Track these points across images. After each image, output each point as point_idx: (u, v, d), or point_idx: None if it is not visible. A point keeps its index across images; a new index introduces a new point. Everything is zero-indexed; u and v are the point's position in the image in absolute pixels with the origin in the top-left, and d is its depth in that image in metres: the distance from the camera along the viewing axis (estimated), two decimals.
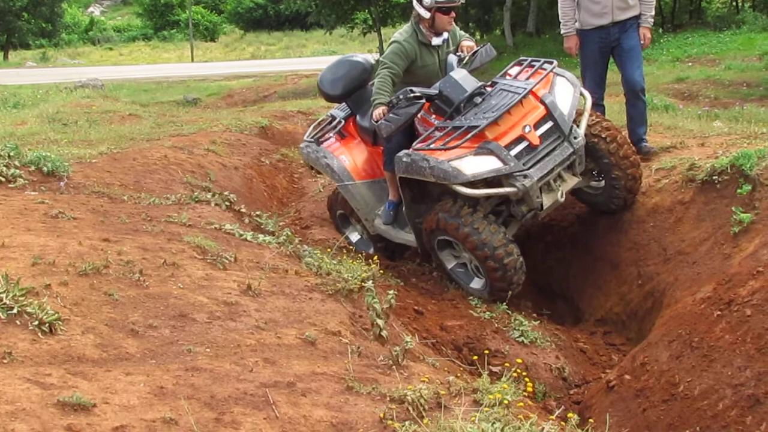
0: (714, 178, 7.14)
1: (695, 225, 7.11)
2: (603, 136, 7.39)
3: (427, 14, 7.51)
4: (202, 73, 40.23)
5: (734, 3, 33.33)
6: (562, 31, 8.70)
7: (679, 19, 31.75)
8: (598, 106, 8.39)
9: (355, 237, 9.34)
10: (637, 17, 8.28)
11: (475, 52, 7.53)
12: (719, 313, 5.41)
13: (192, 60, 52.66)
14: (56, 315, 4.01)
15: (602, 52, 8.46)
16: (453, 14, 7.60)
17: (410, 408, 3.63)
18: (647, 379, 5.51)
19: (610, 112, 10.14)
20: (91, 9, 77.37)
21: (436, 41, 7.70)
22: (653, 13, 8.39)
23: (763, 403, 4.54)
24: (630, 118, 8.49)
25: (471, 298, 7.21)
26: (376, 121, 7.32)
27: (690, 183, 7.44)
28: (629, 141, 7.70)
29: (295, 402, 3.65)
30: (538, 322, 6.87)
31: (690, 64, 22.61)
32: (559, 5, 8.67)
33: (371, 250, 8.90)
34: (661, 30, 30.66)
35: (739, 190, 6.80)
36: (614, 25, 8.28)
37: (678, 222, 7.31)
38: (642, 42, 8.31)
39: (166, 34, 65.97)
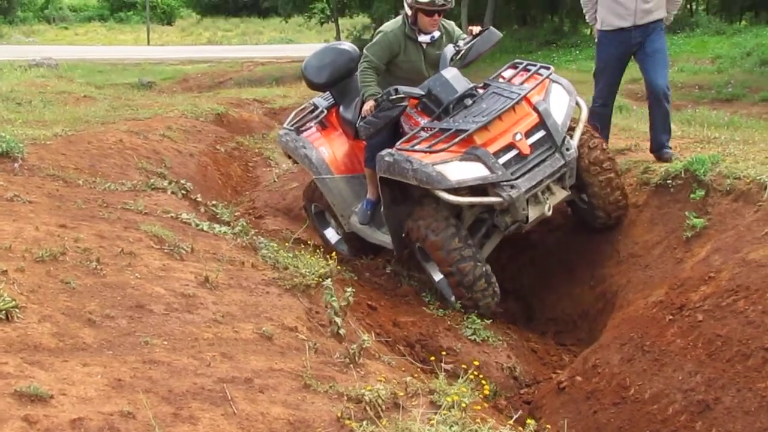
0: (668, 182, 7.20)
1: (648, 228, 7.17)
2: (596, 174, 7.17)
3: (409, 10, 7.25)
4: (157, 56, 39.84)
5: (688, 6, 33.71)
6: (587, 19, 8.33)
7: None
8: (604, 107, 8.18)
9: (334, 238, 9.06)
10: (662, 20, 7.82)
11: (473, 41, 7.25)
12: (671, 317, 5.47)
13: (148, 43, 52.16)
14: (13, 302, 3.99)
15: (621, 57, 7.96)
16: (437, 17, 7.23)
17: (368, 408, 3.64)
18: (598, 382, 5.56)
19: None
20: None
21: (422, 38, 7.39)
22: (676, 12, 8.07)
23: (712, 408, 4.62)
24: (652, 125, 7.98)
25: (424, 294, 7.22)
26: (364, 117, 7.11)
27: (644, 186, 7.50)
28: (617, 170, 7.36)
29: (253, 398, 3.65)
30: (491, 320, 6.85)
31: None
32: None
33: (345, 250, 8.75)
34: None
35: (692, 195, 6.85)
36: (636, 29, 7.72)
37: (631, 225, 7.38)
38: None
39: (123, 16, 65.16)
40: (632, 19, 7.65)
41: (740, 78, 21.43)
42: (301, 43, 47.81)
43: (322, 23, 44.96)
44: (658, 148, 7.91)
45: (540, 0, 39.08)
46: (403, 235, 7.19)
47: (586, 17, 8.26)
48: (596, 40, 8.15)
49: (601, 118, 8.15)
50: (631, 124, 10.46)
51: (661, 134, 7.91)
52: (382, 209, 7.47)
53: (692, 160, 7.12)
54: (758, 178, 6.43)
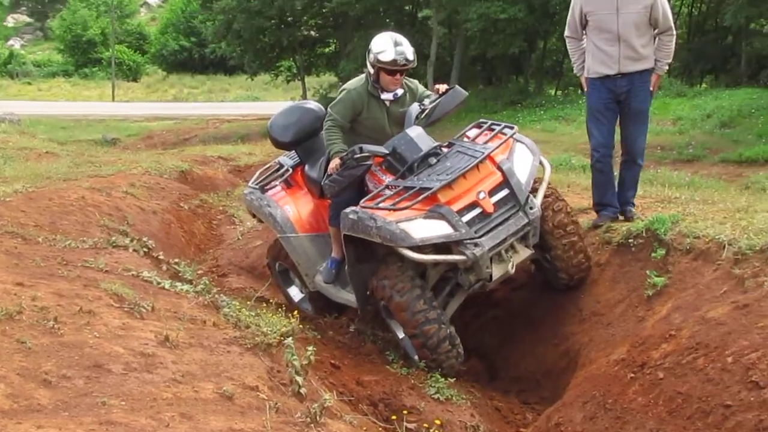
0: (629, 241, 7.27)
1: (610, 287, 7.21)
2: (560, 237, 7.18)
3: (371, 69, 7.29)
4: (122, 112, 39.96)
5: None
6: (575, 71, 8.27)
7: None
8: (600, 162, 7.96)
9: (297, 296, 9.00)
10: (651, 70, 7.73)
11: (438, 100, 7.28)
12: (632, 375, 5.50)
13: (113, 99, 52.33)
14: None
15: (609, 104, 7.81)
16: (398, 76, 7.29)
17: None
18: None
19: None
20: (11, 42, 76.45)
21: (385, 96, 7.42)
22: (670, 60, 7.84)
23: None
24: (621, 180, 8.05)
25: (388, 353, 7.17)
26: (329, 175, 7.14)
27: (606, 245, 7.55)
28: (580, 234, 7.39)
29: None
30: (454, 379, 6.80)
31: None
32: (567, 45, 8.23)
33: (309, 309, 8.69)
34: (580, 91, 31.29)
35: (653, 254, 6.93)
36: (623, 77, 7.65)
37: (594, 283, 7.41)
38: (650, 89, 7.81)
39: (88, 72, 65.40)
40: (617, 67, 7.63)
41: (701, 139, 21.81)
42: (268, 101, 48.16)
43: (288, 81, 45.27)
44: (623, 203, 7.98)
45: (505, 61, 39.65)
46: (368, 293, 7.14)
47: (574, 68, 8.26)
48: (585, 89, 8.10)
49: (600, 176, 8.05)
50: None
51: (627, 190, 8.00)
52: (346, 268, 7.40)
53: (653, 220, 7.20)
54: (717, 237, 6.50)
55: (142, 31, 73.97)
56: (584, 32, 7.90)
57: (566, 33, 8.10)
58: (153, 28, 74.60)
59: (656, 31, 7.66)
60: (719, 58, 39.88)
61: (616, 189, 8.05)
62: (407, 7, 41.74)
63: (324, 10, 40.88)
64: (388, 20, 38.68)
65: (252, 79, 47.84)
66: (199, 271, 8.50)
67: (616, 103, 7.82)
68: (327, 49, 45.55)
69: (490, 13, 32.21)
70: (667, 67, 7.88)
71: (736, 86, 31.97)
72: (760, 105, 25.60)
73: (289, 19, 41.27)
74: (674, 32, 7.73)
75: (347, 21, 40.06)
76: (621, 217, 7.99)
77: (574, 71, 8.31)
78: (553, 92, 40.77)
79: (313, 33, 44.25)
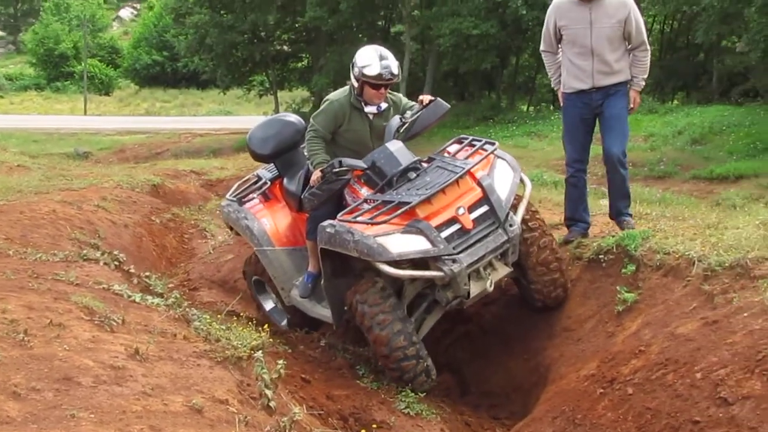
0: (600, 256, 7.29)
1: (581, 302, 7.22)
2: (543, 275, 7.16)
3: (355, 82, 7.21)
4: (94, 126, 39.74)
5: None
6: (552, 85, 8.30)
7: None
8: (574, 177, 7.99)
9: (269, 305, 8.94)
10: (625, 83, 7.70)
11: (418, 113, 7.27)
12: (602, 390, 5.51)
13: (85, 113, 52.14)
14: None
15: (584, 119, 7.85)
16: (383, 90, 7.21)
17: None
18: None
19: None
20: None
21: (369, 109, 7.34)
22: (646, 75, 7.79)
23: None
24: (609, 191, 8.02)
25: (358, 367, 7.16)
26: (311, 187, 7.06)
27: (577, 261, 7.57)
28: (563, 269, 7.34)
29: None
30: (424, 393, 6.79)
31: None
32: (543, 59, 8.25)
33: (284, 323, 8.64)
34: (552, 107, 31.50)
35: (623, 270, 6.96)
36: (597, 91, 7.66)
37: (565, 299, 7.42)
38: (631, 106, 7.80)
39: (60, 85, 65.14)
40: (590, 82, 7.63)
41: (672, 156, 22.00)
42: (240, 115, 48.20)
43: (261, 96, 45.33)
44: (617, 215, 7.96)
45: (477, 76, 39.80)
46: (345, 308, 7.04)
47: (552, 83, 8.27)
48: (562, 103, 8.11)
49: (573, 191, 8.07)
50: None
51: (618, 201, 7.94)
52: (322, 282, 7.29)
53: (623, 236, 7.24)
54: (687, 253, 6.53)
55: (115, 45, 73.87)
56: (559, 46, 7.91)
57: (542, 47, 8.12)
58: (125, 42, 74.48)
59: (630, 46, 7.65)
60: (691, 75, 40.27)
61: (598, 203, 8.07)
62: (380, 23, 41.92)
63: (297, 25, 41.11)
64: (360, 35, 38.80)
65: (224, 94, 47.78)
66: (170, 285, 8.47)
67: (592, 118, 7.84)
68: (300, 64, 45.60)
69: (463, 29, 32.41)
70: (644, 83, 7.83)
71: (707, 103, 32.33)
72: (731, 122, 25.88)
73: (262, 33, 41.30)
74: (648, 47, 7.74)
75: (320, 36, 40.15)
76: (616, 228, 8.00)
77: (552, 85, 8.35)
78: (525, 108, 41.02)
79: (285, 48, 44.35)
